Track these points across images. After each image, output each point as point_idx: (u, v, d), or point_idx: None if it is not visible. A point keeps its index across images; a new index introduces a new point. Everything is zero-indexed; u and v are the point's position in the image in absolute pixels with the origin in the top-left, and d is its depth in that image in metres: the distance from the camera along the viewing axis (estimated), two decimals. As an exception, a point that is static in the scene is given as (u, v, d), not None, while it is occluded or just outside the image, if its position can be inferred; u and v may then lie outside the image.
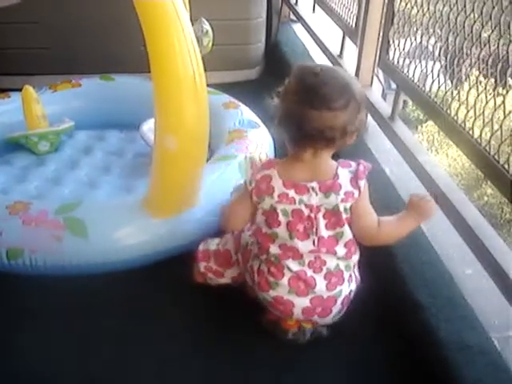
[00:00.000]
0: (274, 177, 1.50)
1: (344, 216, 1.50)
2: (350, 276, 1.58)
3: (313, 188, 1.48)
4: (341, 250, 1.53)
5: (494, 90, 1.57)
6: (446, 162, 8.88)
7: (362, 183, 1.49)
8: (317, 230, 1.51)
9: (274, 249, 1.55)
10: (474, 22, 1.66)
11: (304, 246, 1.52)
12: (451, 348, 1.45)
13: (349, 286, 1.58)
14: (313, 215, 1.49)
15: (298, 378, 1.57)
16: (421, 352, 1.55)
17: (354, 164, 1.51)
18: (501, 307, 1.53)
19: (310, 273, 1.54)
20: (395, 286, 1.71)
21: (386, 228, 1.55)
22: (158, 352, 1.62)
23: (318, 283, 1.54)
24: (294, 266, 1.54)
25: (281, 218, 1.51)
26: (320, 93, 1.39)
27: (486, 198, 8.26)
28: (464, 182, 8.54)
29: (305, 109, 1.39)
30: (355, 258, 1.58)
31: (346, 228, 1.52)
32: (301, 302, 1.56)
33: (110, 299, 1.78)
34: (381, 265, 1.79)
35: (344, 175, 1.49)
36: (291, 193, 1.49)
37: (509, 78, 1.53)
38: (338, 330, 1.64)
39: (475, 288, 1.63)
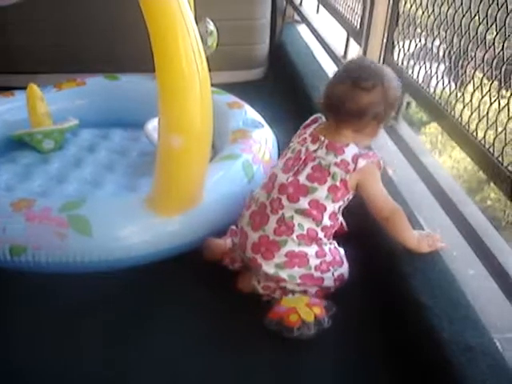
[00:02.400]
0: (312, 126, 1.75)
1: (330, 181, 1.62)
2: (303, 237, 1.65)
3: (322, 141, 1.66)
4: (303, 203, 1.64)
5: (497, 93, 1.57)
6: (449, 163, 8.85)
7: (362, 162, 1.61)
8: (298, 170, 1.66)
9: (265, 179, 1.77)
10: (479, 23, 1.66)
11: (281, 177, 1.69)
12: (454, 349, 1.44)
13: (299, 245, 1.66)
14: (303, 157, 1.67)
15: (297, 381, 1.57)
16: (424, 353, 1.55)
17: (366, 150, 1.65)
18: (503, 308, 1.53)
19: (268, 210, 1.69)
20: (398, 286, 1.71)
21: (394, 223, 1.68)
22: (158, 351, 1.62)
23: (270, 223, 1.68)
24: (262, 197, 1.72)
25: (289, 153, 1.73)
26: (350, 71, 1.65)
27: (488, 202, 8.24)
28: (466, 184, 8.49)
29: (335, 83, 1.67)
30: (317, 226, 1.66)
31: (323, 190, 1.63)
32: (252, 237, 1.71)
33: (109, 298, 1.79)
34: (383, 265, 1.79)
35: (352, 148, 1.64)
36: (307, 137, 1.70)
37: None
38: (340, 330, 1.65)
39: (478, 288, 1.63)
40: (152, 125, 2.39)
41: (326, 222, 1.67)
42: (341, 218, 1.75)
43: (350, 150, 1.63)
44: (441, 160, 9.10)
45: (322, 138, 1.66)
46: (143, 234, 1.86)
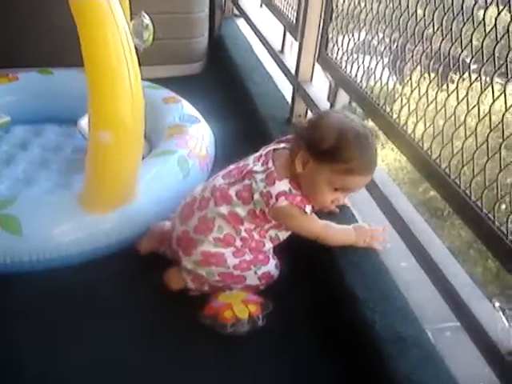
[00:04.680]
0: (280, 145, 1.70)
1: (251, 205, 1.61)
2: (220, 240, 1.65)
3: (268, 168, 1.60)
4: (224, 210, 1.64)
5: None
6: (392, 156, 8.97)
7: (282, 202, 1.56)
8: (234, 181, 1.65)
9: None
10: (408, 18, 1.68)
11: (218, 179, 1.70)
12: (386, 341, 1.46)
13: (215, 247, 1.65)
14: (244, 172, 1.64)
15: (234, 374, 1.57)
16: (357, 345, 1.56)
17: (297, 196, 1.58)
18: (434, 299, 1.56)
19: (196, 206, 1.70)
20: (332, 279, 1.73)
21: (326, 238, 1.69)
22: (94, 351, 1.59)
23: (193, 219, 1.69)
24: (196, 192, 1.74)
25: (242, 161, 1.72)
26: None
27: (431, 193, 8.39)
28: (409, 175, 8.62)
29: None
30: (237, 235, 1.65)
31: (244, 209, 1.62)
32: (178, 230, 1.73)
33: (42, 299, 1.74)
34: (317, 259, 1.80)
35: (284, 185, 1.57)
36: (263, 155, 1.67)
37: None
38: (273, 323, 1.64)
39: (410, 280, 1.66)
40: (85, 120, 2.34)
41: (244, 234, 1.66)
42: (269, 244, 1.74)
43: (281, 186, 1.57)
44: (383, 152, 9.23)
45: (270, 164, 1.61)
46: (75, 232, 1.82)
